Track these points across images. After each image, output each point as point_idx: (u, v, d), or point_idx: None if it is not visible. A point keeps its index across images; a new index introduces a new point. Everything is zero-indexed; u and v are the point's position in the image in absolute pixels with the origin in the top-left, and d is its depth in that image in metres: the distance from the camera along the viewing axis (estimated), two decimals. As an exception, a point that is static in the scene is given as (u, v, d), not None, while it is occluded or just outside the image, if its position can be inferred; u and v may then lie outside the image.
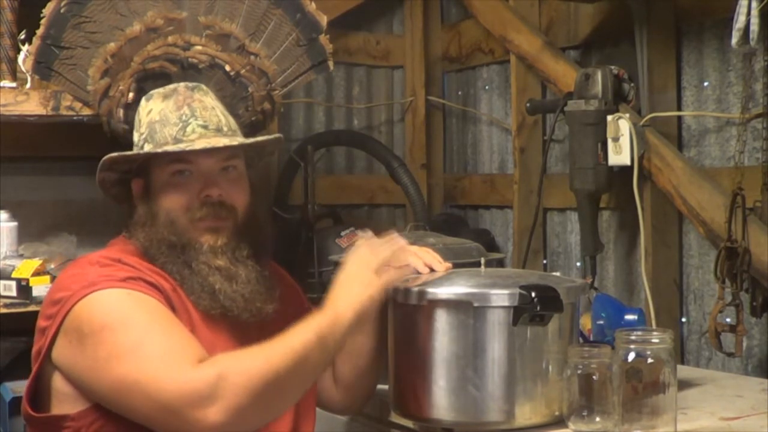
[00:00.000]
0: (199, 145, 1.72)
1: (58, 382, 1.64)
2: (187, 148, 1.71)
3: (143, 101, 1.83)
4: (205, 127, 1.76)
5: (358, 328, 1.69)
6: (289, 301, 1.91)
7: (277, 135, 1.88)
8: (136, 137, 1.81)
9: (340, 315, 1.64)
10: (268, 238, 1.86)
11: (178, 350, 1.55)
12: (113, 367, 1.54)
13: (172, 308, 1.66)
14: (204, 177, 1.75)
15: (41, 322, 1.66)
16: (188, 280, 1.71)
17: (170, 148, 1.73)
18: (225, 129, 1.79)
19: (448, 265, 1.80)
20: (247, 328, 1.73)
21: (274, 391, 1.55)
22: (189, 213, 1.73)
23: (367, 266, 1.70)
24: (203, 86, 1.87)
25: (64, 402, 1.63)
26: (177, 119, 1.76)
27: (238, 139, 1.79)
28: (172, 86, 1.82)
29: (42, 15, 2.19)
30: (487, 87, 3.30)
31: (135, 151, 1.79)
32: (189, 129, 1.75)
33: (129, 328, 1.57)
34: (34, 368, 1.65)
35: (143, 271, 1.67)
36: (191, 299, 1.71)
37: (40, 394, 1.67)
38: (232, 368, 1.52)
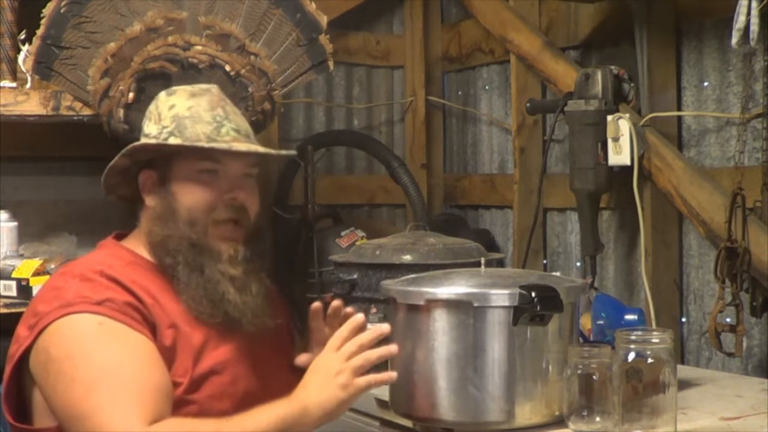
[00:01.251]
0: (238, 147, 1.72)
1: (37, 394, 1.64)
2: (234, 149, 1.71)
3: (163, 95, 1.79)
4: (237, 131, 1.75)
5: (323, 425, 1.64)
6: (275, 311, 1.91)
7: (292, 151, 1.93)
8: (153, 129, 1.75)
9: (308, 411, 1.60)
10: (267, 249, 1.86)
11: (134, 402, 1.52)
12: (69, 398, 1.54)
13: (153, 325, 1.63)
14: (231, 179, 1.74)
15: (21, 329, 1.65)
16: (193, 285, 1.70)
17: (213, 144, 1.71)
18: (251, 136, 1.79)
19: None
20: (234, 339, 1.73)
21: None
22: (212, 213, 1.72)
23: (349, 367, 1.63)
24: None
25: (44, 415, 1.63)
26: (211, 119, 1.74)
27: (271, 149, 1.80)
28: (201, 85, 1.81)
29: (42, 15, 2.19)
30: (487, 87, 3.30)
31: (151, 142, 1.75)
32: (223, 131, 1.73)
33: (90, 364, 1.56)
34: (7, 371, 1.65)
35: (124, 286, 1.65)
36: (185, 305, 1.69)
37: (23, 404, 1.67)
38: None
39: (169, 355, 1.63)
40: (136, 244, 1.77)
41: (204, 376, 1.67)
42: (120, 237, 1.82)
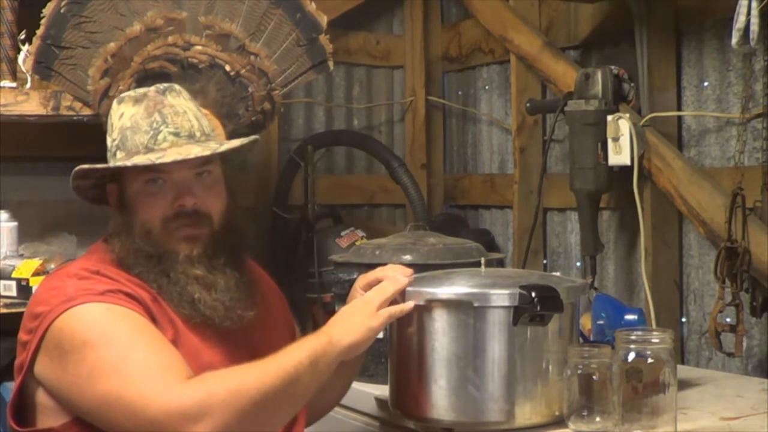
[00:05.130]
0: (170, 155, 1.67)
1: (41, 396, 1.63)
2: (157, 161, 1.67)
3: (115, 104, 1.77)
4: (176, 134, 1.71)
5: (351, 355, 1.67)
6: (272, 301, 1.91)
7: (252, 138, 1.81)
8: (108, 142, 1.76)
9: (335, 340, 1.63)
10: (247, 241, 1.83)
11: (164, 366, 1.53)
12: (96, 383, 1.53)
13: (153, 319, 1.64)
14: (177, 185, 1.71)
15: (22, 336, 1.65)
16: (167, 289, 1.69)
17: (139, 160, 1.68)
18: (198, 134, 1.74)
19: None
20: (231, 334, 1.72)
21: (262, 412, 1.54)
22: (164, 223, 1.70)
23: (370, 302, 1.69)
24: (176, 87, 1.79)
25: (48, 415, 1.63)
26: (148, 126, 1.71)
27: (211, 146, 1.73)
28: (143, 90, 1.76)
29: (42, 15, 2.19)
30: (487, 87, 3.30)
31: (109, 157, 1.75)
32: (160, 137, 1.70)
33: (111, 344, 1.55)
34: (17, 382, 1.64)
35: (122, 282, 1.65)
36: (172, 307, 1.69)
37: (24, 408, 1.66)
38: (221, 386, 1.51)
39: None
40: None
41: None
42: (109, 239, 1.80)
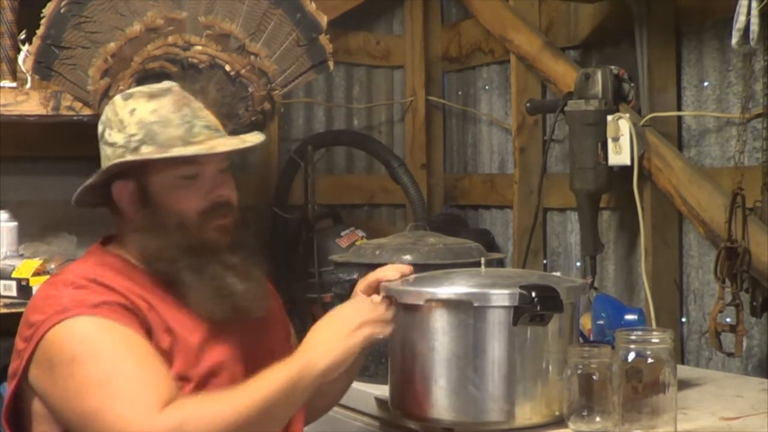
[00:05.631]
0: (217, 146, 1.70)
1: (37, 404, 1.63)
2: (211, 151, 1.68)
3: (119, 100, 1.74)
4: (208, 128, 1.73)
5: (330, 377, 1.65)
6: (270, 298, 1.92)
7: (261, 137, 1.82)
8: (119, 138, 1.70)
9: (312, 363, 1.61)
10: (252, 235, 1.84)
11: (145, 390, 1.53)
12: (82, 399, 1.54)
13: (149, 329, 1.63)
14: (211, 178, 1.72)
15: (18, 343, 1.65)
16: (200, 287, 1.69)
17: (186, 150, 1.67)
18: (221, 128, 1.77)
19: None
20: (236, 331, 1.73)
21: None
22: (199, 215, 1.70)
23: (348, 320, 1.67)
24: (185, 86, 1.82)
25: (43, 424, 1.63)
26: (180, 120, 1.70)
27: (246, 139, 1.75)
28: (159, 85, 1.76)
29: (42, 15, 2.19)
30: (487, 87, 3.30)
31: (122, 152, 1.70)
32: (195, 131, 1.70)
33: (98, 361, 1.55)
34: (10, 388, 1.64)
35: (118, 291, 1.64)
36: (199, 307, 1.68)
37: (20, 414, 1.66)
38: (195, 416, 1.51)
39: (166, 359, 1.63)
40: (123, 250, 1.75)
41: (203, 378, 1.66)
42: (107, 241, 1.80)
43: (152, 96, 1.72)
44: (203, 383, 1.66)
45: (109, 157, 1.72)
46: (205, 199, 1.71)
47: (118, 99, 1.75)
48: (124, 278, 1.68)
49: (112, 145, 1.71)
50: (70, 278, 1.66)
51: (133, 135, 1.70)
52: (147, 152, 1.69)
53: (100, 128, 1.75)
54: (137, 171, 1.70)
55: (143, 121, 1.70)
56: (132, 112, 1.71)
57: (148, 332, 1.63)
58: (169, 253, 1.69)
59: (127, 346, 1.58)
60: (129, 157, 1.68)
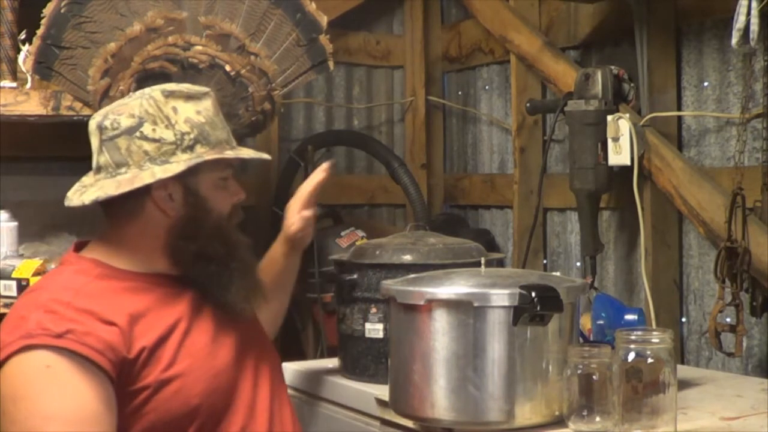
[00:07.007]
0: (241, 152, 1.78)
1: None
2: (258, 156, 1.79)
3: (160, 96, 1.71)
4: (232, 133, 1.81)
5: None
6: None
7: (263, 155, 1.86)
8: (168, 134, 1.68)
9: None
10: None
11: None
12: None
13: (129, 344, 1.60)
14: (234, 181, 1.80)
15: None
16: (232, 283, 1.73)
17: (239, 153, 1.77)
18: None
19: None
20: (240, 325, 1.77)
21: None
22: (227, 216, 1.77)
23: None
24: None
25: None
26: (221, 124, 1.76)
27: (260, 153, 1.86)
28: (196, 87, 1.76)
29: (42, 15, 2.19)
30: (487, 87, 3.30)
31: (174, 149, 1.68)
32: (232, 135, 1.79)
33: (33, 412, 1.53)
34: None
35: (91, 312, 1.59)
36: (233, 304, 1.72)
37: None
38: None
39: (166, 361, 1.64)
40: (107, 254, 1.73)
41: (214, 375, 1.69)
42: (81, 246, 1.79)
43: (190, 97, 1.73)
44: (205, 383, 1.67)
45: (148, 152, 1.68)
46: (231, 200, 1.78)
47: (158, 95, 1.71)
48: (105, 289, 1.66)
49: (156, 141, 1.68)
50: (43, 299, 1.63)
51: (186, 133, 1.70)
52: (202, 152, 1.70)
53: (128, 122, 1.69)
54: (187, 171, 1.69)
55: (192, 120, 1.71)
56: (175, 110, 1.71)
57: (127, 348, 1.60)
58: (208, 253, 1.72)
59: (70, 402, 1.54)
60: (185, 156, 1.68)
